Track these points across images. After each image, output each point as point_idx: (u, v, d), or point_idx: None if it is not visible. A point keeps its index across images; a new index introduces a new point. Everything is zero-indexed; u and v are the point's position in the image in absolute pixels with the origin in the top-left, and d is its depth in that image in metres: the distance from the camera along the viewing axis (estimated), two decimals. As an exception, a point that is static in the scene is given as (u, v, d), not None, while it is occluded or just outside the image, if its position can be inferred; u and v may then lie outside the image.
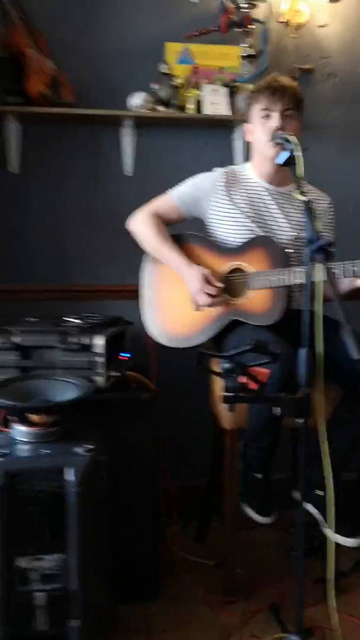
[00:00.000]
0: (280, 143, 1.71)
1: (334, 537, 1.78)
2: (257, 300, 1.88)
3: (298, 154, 1.56)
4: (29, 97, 2.25)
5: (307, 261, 1.42)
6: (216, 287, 1.89)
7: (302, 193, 1.50)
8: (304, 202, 1.46)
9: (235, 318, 1.90)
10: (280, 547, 2.29)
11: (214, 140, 2.52)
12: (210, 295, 1.89)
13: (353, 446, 1.82)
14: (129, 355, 2.21)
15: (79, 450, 1.61)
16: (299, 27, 2.49)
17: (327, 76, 2.57)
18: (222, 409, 1.92)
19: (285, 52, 2.53)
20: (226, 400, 1.45)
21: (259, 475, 1.93)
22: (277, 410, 1.48)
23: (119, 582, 1.87)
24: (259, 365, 1.49)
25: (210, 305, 1.91)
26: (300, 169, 1.56)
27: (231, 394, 1.45)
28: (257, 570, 2.14)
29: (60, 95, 2.29)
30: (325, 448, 1.51)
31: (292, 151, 1.57)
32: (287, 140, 1.61)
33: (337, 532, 1.78)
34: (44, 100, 2.25)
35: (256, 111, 1.90)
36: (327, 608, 1.90)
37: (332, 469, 1.76)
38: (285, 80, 1.90)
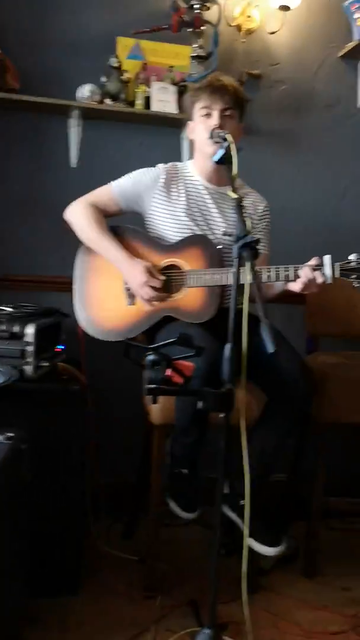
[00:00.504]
0: (218, 141, 1.73)
1: (256, 547, 1.83)
2: (190, 298, 1.89)
3: (233, 152, 1.58)
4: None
5: (234, 258, 1.44)
6: (160, 279, 1.89)
7: (235, 191, 1.52)
8: (235, 199, 1.48)
9: (167, 314, 1.91)
10: (205, 544, 2.30)
11: (161, 138, 2.53)
12: (154, 288, 1.89)
13: (278, 446, 1.85)
14: (62, 347, 2.20)
15: (-1, 438, 1.59)
16: (249, 32, 2.53)
17: (275, 83, 2.62)
18: (149, 403, 1.93)
19: (235, 56, 2.56)
20: (149, 392, 1.45)
21: (185, 471, 1.94)
22: (200, 404, 1.48)
23: (39, 575, 1.85)
24: (184, 358, 1.50)
25: (153, 299, 1.90)
26: (234, 167, 1.58)
27: (154, 386, 1.45)
28: (180, 567, 2.14)
29: (5, 81, 2.26)
30: (244, 444, 1.53)
31: (227, 149, 1.59)
32: (224, 139, 1.63)
33: (260, 540, 1.82)
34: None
35: (197, 109, 1.92)
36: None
37: (259, 468, 1.80)
38: (226, 79, 1.92)
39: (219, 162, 1.62)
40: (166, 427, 1.94)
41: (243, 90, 1.97)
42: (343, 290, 2.54)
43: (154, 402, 1.46)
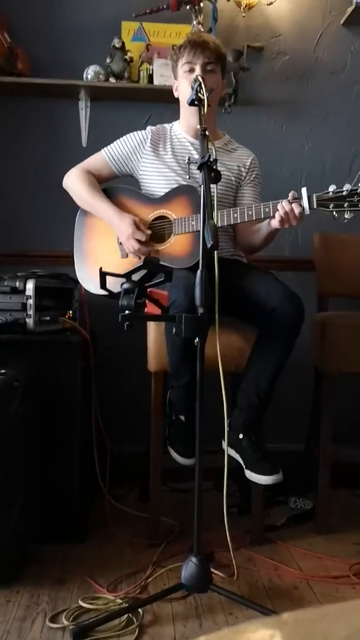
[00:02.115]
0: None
1: (253, 477, 1.83)
2: (179, 245, 1.94)
3: (203, 91, 1.64)
4: (-16, 68, 2.39)
5: (201, 184, 1.49)
6: (145, 233, 1.96)
7: (203, 125, 1.58)
8: (199, 128, 1.54)
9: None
10: (218, 507, 2.29)
11: (167, 115, 2.61)
12: (139, 241, 1.96)
13: (274, 376, 1.85)
14: (74, 313, 2.29)
15: (-9, 373, 1.69)
16: (250, 6, 2.59)
17: (277, 54, 2.67)
18: (150, 353, 1.98)
19: (235, 31, 2.63)
20: (122, 319, 1.50)
21: (182, 417, 1.96)
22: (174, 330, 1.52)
23: (45, 522, 1.91)
24: (157, 285, 1.56)
25: (139, 252, 1.97)
26: (205, 106, 1.64)
27: (126, 312, 1.50)
28: (190, 524, 2.14)
29: (15, 66, 2.42)
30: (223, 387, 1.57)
31: (197, 89, 1.65)
32: (195, 81, 1.69)
33: (256, 471, 1.82)
34: (-2, 70, 2.39)
35: (180, 66, 1.99)
36: (246, 553, 1.93)
37: (255, 401, 1.82)
38: (207, 36, 1.99)
39: (191, 103, 1.69)
40: (162, 374, 1.99)
41: (223, 47, 2.02)
42: (352, 250, 2.54)
43: (128, 327, 1.49)
